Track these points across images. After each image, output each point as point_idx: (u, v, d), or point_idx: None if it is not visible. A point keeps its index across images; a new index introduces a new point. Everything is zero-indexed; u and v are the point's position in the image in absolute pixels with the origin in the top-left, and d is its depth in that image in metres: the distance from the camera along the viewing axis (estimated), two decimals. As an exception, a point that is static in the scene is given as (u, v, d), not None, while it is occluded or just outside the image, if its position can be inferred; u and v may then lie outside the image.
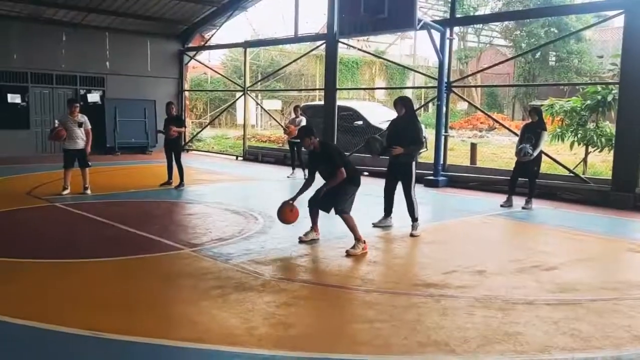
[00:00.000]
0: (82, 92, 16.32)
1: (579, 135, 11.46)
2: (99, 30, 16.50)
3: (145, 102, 17.40)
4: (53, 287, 4.81)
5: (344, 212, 6.06)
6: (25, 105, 15.47)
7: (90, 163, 9.54)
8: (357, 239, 6.01)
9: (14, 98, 15.24)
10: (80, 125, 9.24)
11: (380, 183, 7.61)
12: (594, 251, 6.68)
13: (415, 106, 19.72)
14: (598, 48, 30.94)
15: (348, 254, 5.90)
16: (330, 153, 6.19)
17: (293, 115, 12.74)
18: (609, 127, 11.39)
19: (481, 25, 32.58)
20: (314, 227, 6.45)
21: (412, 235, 6.87)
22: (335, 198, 6.10)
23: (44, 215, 7.93)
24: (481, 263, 5.75)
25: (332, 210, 6.13)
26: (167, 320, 4.13)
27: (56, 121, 15.12)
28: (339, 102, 14.38)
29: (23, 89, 15.39)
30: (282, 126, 18.30)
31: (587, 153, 11.70)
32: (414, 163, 7.08)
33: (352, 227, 6.04)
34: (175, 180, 10.41)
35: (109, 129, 16.49)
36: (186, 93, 18.94)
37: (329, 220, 6.55)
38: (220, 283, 4.90)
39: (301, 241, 6.38)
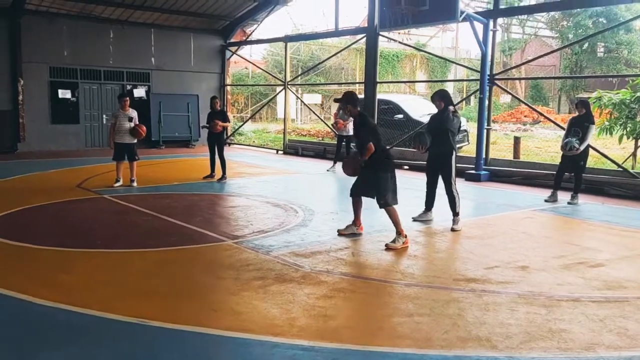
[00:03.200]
0: (128, 87, 16.78)
1: (628, 129, 11.04)
2: (145, 26, 16.90)
3: (188, 96, 17.76)
4: (100, 276, 4.99)
5: (387, 205, 6.03)
6: (75, 100, 16.02)
7: (138, 157, 9.83)
8: (399, 232, 5.98)
9: (64, 93, 15.80)
10: (130, 119, 9.52)
11: (421, 177, 7.55)
12: (644, 248, 6.45)
13: (457, 100, 19.40)
14: (649, 38, 29.66)
15: (388, 248, 5.88)
16: (362, 123, 6.14)
17: (342, 109, 12.67)
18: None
19: (526, 16, 31.70)
20: (356, 220, 6.43)
21: (452, 229, 6.79)
22: (375, 188, 6.09)
23: (93, 206, 8.21)
24: (524, 259, 5.64)
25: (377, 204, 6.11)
26: (210, 310, 4.22)
27: (104, 116, 15.80)
28: (379, 96, 14.30)
29: (73, 85, 15.93)
30: (322, 120, 18.34)
31: (636, 147, 11.26)
32: (453, 156, 6.98)
33: (394, 221, 6.02)
34: (218, 173, 10.60)
35: (154, 123, 16.90)
36: (228, 88, 19.19)
37: (371, 214, 6.54)
38: (261, 274, 4.97)
39: (340, 234, 6.39)
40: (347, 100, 6.20)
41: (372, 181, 6.10)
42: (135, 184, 9.65)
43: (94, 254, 5.70)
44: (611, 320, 4.06)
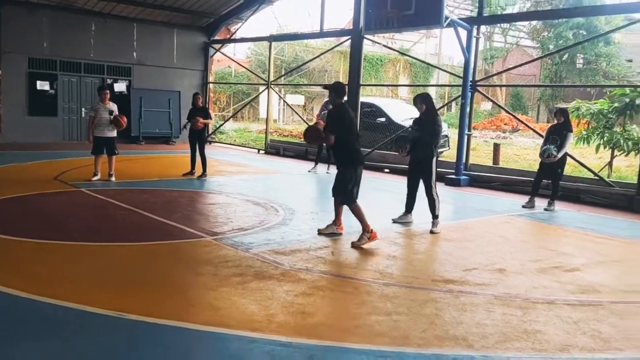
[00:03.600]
0: (109, 81, 16.56)
1: (605, 138, 11.29)
2: (127, 20, 16.72)
3: (170, 92, 17.61)
4: (79, 269, 4.92)
5: (348, 201, 6.07)
6: (54, 92, 15.76)
7: (117, 151, 9.71)
8: (364, 229, 6.01)
9: (42, 85, 15.53)
10: (110, 112, 9.40)
11: (401, 180, 7.60)
12: (617, 255, 6.59)
13: (439, 105, 19.57)
14: (627, 52, 30.35)
15: (353, 246, 5.92)
16: (334, 112, 6.17)
17: (324, 110, 12.72)
18: (637, 130, 11.19)
19: (508, 25, 32.19)
20: (337, 220, 6.44)
21: (432, 232, 6.85)
22: (337, 185, 6.14)
23: (71, 200, 8.08)
24: (501, 262, 5.72)
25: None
26: (188, 304, 4.19)
27: (83, 109, 15.57)
28: (362, 99, 14.36)
29: (52, 77, 15.68)
30: (304, 121, 18.35)
31: (612, 156, 11.51)
32: (434, 159, 7.06)
33: (359, 217, 6.05)
34: (198, 170, 10.53)
35: (134, 118, 16.70)
36: (210, 85, 19.08)
37: (347, 215, 6.56)
38: (240, 271, 4.95)
39: (320, 233, 6.41)
40: (333, 88, 6.22)
41: (336, 179, 6.19)
42: (113, 178, 9.53)
43: (71, 246, 5.62)
44: (585, 323, 4.14)
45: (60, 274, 4.74)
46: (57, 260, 5.15)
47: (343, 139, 6.04)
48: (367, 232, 6.01)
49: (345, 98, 6.35)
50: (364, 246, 5.99)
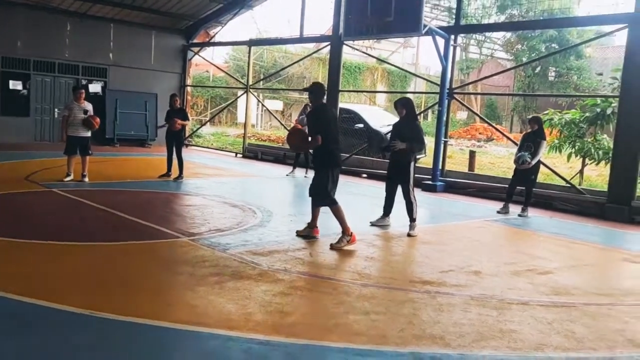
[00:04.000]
0: (84, 82, 16.26)
1: (577, 147, 11.53)
2: (104, 21, 16.49)
3: (147, 95, 17.40)
4: (52, 268, 4.80)
5: (329, 203, 6.07)
6: (26, 92, 15.43)
7: (91, 152, 9.53)
8: (344, 231, 6.02)
9: (15, 85, 15.19)
10: (85, 112, 9.23)
11: (378, 185, 7.64)
12: (589, 259, 6.72)
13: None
14: (598, 65, 31.12)
15: (332, 248, 5.92)
16: (314, 113, 6.18)
17: (302, 115, 12.70)
18: (607, 140, 11.46)
19: (483, 37, 32.76)
20: (312, 222, 6.43)
21: (409, 235, 6.90)
22: (316, 187, 6.15)
23: (41, 200, 7.91)
24: (477, 264, 5.78)
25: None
26: (164, 303, 4.13)
27: (56, 110, 15.27)
28: (341, 105, 14.42)
29: (25, 76, 15.36)
30: (283, 125, 18.32)
31: (583, 165, 11.77)
32: (412, 164, 7.12)
33: (339, 218, 6.05)
34: (175, 172, 10.41)
35: (109, 120, 16.45)
36: (188, 89, 18.93)
37: (331, 216, 6.55)
38: (217, 271, 4.90)
39: (298, 235, 6.39)
40: (312, 90, 6.23)
41: (313, 180, 6.19)
42: (86, 179, 9.35)
43: (42, 245, 5.49)
44: (559, 323, 4.20)
45: (29, 273, 4.62)
46: (26, 259, 5.01)
47: (323, 140, 6.03)
48: (347, 235, 6.01)
49: (325, 99, 6.36)
50: (343, 248, 5.99)
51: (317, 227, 6.41)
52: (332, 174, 6.11)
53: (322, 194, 6.11)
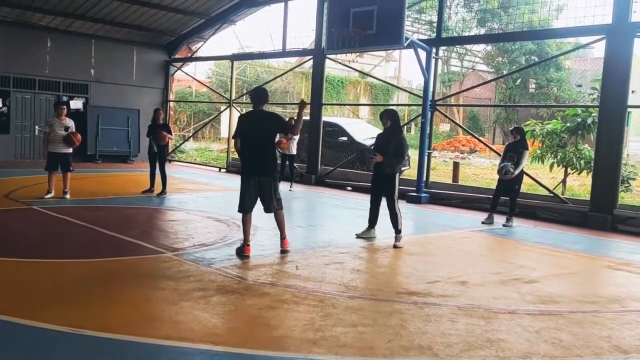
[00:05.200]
0: (65, 98, 16.10)
1: (559, 157, 11.68)
2: (85, 37, 16.42)
3: (128, 110, 17.29)
4: (31, 285, 4.71)
5: (240, 210, 6.02)
6: (6, 110, 15.24)
7: (72, 168, 9.41)
8: (245, 241, 5.98)
9: (-5, 102, 15.04)
10: (66, 129, 9.12)
11: (363, 197, 7.64)
12: (573, 267, 6.77)
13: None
14: (577, 77, 31.71)
15: (237, 253, 5.91)
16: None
17: None
18: (588, 149, 11.63)
19: (464, 50, 33.20)
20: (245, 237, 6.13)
21: (395, 246, 6.89)
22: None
23: (22, 217, 7.77)
24: (463, 275, 5.79)
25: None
26: (148, 319, 4.06)
27: (37, 127, 15.09)
28: (325, 118, 14.47)
29: (4, 93, 15.18)
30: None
31: (566, 174, 11.91)
32: (397, 176, 7.14)
33: (245, 228, 6.02)
34: (158, 188, 10.32)
35: (91, 136, 16.30)
36: (171, 104, 18.86)
37: (315, 230, 6.55)
38: (202, 285, 4.84)
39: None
40: (250, 95, 6.23)
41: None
42: (68, 196, 9.22)
43: (22, 263, 5.38)
44: (546, 332, 4.20)
45: (7, 290, 4.52)
46: (5, 276, 4.90)
47: (242, 147, 5.99)
48: (245, 244, 5.93)
49: (262, 106, 6.15)
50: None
51: (249, 245, 6.06)
52: (247, 181, 5.98)
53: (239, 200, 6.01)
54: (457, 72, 36.25)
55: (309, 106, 13.98)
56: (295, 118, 6.40)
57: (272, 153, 6.25)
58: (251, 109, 6.22)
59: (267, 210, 6.12)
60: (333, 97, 30.04)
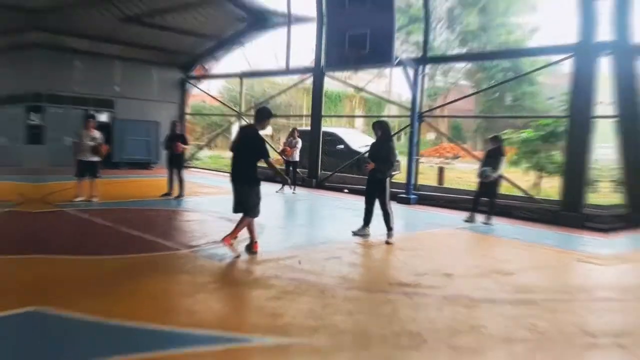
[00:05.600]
0: (93, 112, 16.10)
1: (533, 162, 11.67)
2: (111, 58, 16.45)
3: (149, 123, 17.30)
4: (63, 279, 4.70)
5: (235, 211, 5.97)
6: (41, 123, 15.28)
7: (99, 175, 9.41)
8: (232, 234, 5.83)
9: (34, 117, 15.11)
10: (94, 139, 9.12)
11: (359, 199, 7.63)
12: (547, 260, 6.74)
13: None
14: (549, 91, 31.70)
15: (224, 240, 5.72)
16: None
17: (291, 138, 12.68)
18: (558, 155, 11.61)
19: (448, 67, 33.25)
20: (234, 232, 5.92)
21: (387, 242, 6.87)
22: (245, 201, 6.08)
23: (55, 218, 7.76)
24: (448, 268, 5.76)
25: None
26: (167, 309, 4.05)
27: (68, 139, 15.07)
28: (324, 128, 14.46)
29: (39, 109, 15.21)
30: (274, 149, 18.27)
31: (540, 177, 11.90)
32: (387, 180, 7.12)
33: (240, 227, 5.93)
34: (175, 191, 10.30)
35: (116, 146, 16.30)
36: (187, 117, 18.86)
37: (315, 229, 6.54)
38: (215, 279, 4.84)
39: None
40: (259, 114, 6.13)
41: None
42: (95, 199, 9.20)
43: (55, 260, 5.35)
44: (522, 319, 4.20)
45: (46, 284, 4.51)
46: (42, 271, 4.89)
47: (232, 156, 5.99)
48: (232, 238, 5.81)
49: (264, 124, 6.15)
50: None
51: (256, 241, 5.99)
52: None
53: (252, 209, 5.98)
54: (442, 86, 36.26)
55: (309, 117, 13.98)
56: (275, 168, 6.51)
57: (251, 165, 6.09)
58: (251, 122, 6.18)
59: (235, 211, 6.00)
60: (331, 109, 30.08)
